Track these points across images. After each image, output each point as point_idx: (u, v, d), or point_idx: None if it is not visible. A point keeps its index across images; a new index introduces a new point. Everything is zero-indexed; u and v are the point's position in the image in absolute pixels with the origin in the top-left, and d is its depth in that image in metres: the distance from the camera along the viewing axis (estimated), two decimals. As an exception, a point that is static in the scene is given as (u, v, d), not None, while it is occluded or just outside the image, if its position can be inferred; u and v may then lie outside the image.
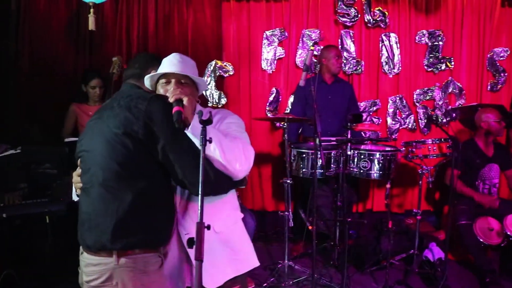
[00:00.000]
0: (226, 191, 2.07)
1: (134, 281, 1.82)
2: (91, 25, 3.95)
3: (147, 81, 2.06)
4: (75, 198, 2.08)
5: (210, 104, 5.02)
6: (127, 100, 1.90)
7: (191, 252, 1.93)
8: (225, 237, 2.10)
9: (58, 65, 4.88)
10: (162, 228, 1.91)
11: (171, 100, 1.87)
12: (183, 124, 1.80)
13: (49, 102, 4.65)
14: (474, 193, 4.26)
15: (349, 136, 3.86)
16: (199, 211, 1.64)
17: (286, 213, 3.78)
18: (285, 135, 3.81)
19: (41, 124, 4.48)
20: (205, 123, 1.77)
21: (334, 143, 3.97)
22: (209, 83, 5.04)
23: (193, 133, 1.87)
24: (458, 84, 5.11)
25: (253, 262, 2.24)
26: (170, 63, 2.05)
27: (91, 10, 3.92)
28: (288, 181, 3.78)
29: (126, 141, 1.81)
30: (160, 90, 2.04)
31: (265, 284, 3.76)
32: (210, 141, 1.75)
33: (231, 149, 1.91)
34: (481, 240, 3.96)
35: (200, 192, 1.66)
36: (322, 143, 3.46)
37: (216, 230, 2.06)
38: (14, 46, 4.79)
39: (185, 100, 1.86)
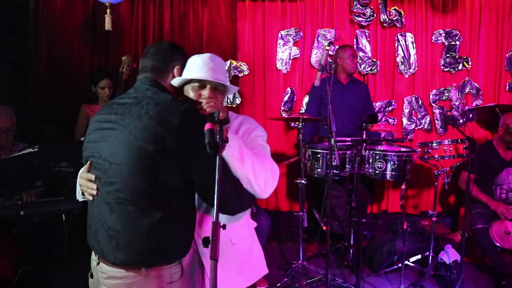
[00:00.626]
0: (248, 207, 2.06)
1: None
2: (108, 25, 3.99)
3: (177, 81, 1.94)
4: (80, 198, 2.00)
5: (224, 104, 5.03)
6: (157, 111, 1.74)
7: (205, 253, 1.95)
8: (240, 249, 2.09)
9: (75, 65, 4.93)
10: (186, 241, 1.88)
11: (205, 109, 1.79)
12: (214, 147, 1.61)
13: (66, 102, 4.69)
14: (489, 200, 4.18)
15: (364, 136, 3.84)
16: (215, 210, 1.61)
17: (300, 213, 3.77)
18: (300, 135, 3.80)
19: (58, 123, 4.54)
20: (222, 122, 1.72)
21: (349, 143, 3.95)
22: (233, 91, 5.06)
23: (228, 153, 1.77)
24: (475, 84, 5.05)
25: (262, 270, 2.22)
26: (205, 67, 1.93)
27: (108, 10, 3.96)
28: (303, 181, 3.78)
29: (158, 158, 1.69)
30: (191, 93, 1.94)
31: (279, 284, 3.76)
32: (227, 141, 1.69)
33: (262, 170, 1.86)
34: (497, 244, 3.91)
35: (216, 193, 1.59)
36: (337, 143, 3.44)
37: (233, 242, 2.05)
38: (33, 45, 4.86)
39: (220, 115, 1.72)
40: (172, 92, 1.95)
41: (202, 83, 1.93)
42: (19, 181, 3.02)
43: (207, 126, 1.65)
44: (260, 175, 1.85)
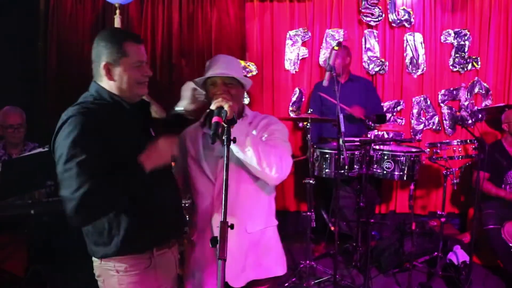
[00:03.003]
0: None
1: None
2: (117, 26, 4.02)
3: (198, 83, 2.12)
4: None
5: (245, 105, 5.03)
6: None
7: (235, 256, 2.01)
8: (255, 239, 2.12)
9: (84, 66, 4.94)
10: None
11: (213, 107, 1.88)
12: (217, 137, 1.75)
13: (76, 101, 4.73)
14: (506, 193, 4.16)
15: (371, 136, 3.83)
16: (223, 210, 1.64)
17: (308, 213, 3.77)
18: (308, 135, 3.80)
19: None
20: (229, 122, 1.81)
21: (357, 143, 3.95)
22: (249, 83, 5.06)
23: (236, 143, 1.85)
24: (485, 84, 5.02)
25: (277, 270, 2.22)
26: (216, 66, 2.08)
27: (117, 11, 4.00)
28: (311, 181, 3.77)
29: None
30: (208, 93, 2.10)
31: (287, 284, 3.76)
32: (234, 141, 1.76)
33: (267, 155, 1.96)
34: (510, 244, 3.88)
35: (224, 192, 1.66)
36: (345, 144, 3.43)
37: (248, 231, 2.09)
38: (43, 46, 4.90)
39: (226, 108, 1.85)
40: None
41: (213, 82, 2.07)
42: (30, 181, 3.06)
43: (214, 119, 1.79)
44: (266, 160, 1.95)
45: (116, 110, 1.89)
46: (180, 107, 2.49)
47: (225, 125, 1.79)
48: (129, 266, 1.87)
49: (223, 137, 1.75)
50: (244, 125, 2.04)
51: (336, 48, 3.54)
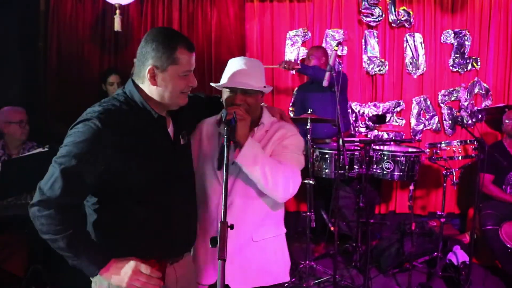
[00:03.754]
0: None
1: None
2: (117, 26, 4.02)
3: (218, 87, 2.06)
4: None
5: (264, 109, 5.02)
6: None
7: (240, 259, 2.02)
8: (261, 247, 2.11)
9: (84, 66, 4.98)
10: None
11: (224, 116, 1.88)
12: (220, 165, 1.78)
13: (76, 102, 4.73)
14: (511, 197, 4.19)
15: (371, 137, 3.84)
16: (223, 210, 1.63)
17: (308, 213, 3.77)
18: (308, 136, 3.80)
19: (68, 123, 4.56)
20: (227, 123, 1.80)
21: (357, 144, 3.95)
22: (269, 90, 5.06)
23: (241, 161, 1.87)
24: (485, 84, 5.02)
25: (282, 277, 2.21)
26: (236, 72, 2.02)
27: (117, 11, 4.00)
28: (311, 181, 3.77)
29: None
30: (224, 98, 2.05)
31: (286, 285, 3.76)
32: (232, 163, 1.79)
33: (275, 175, 1.90)
34: (508, 245, 3.89)
35: (223, 193, 1.65)
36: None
37: (254, 239, 2.08)
38: (43, 46, 4.91)
39: (238, 127, 1.85)
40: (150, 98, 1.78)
41: (233, 89, 2.01)
42: (30, 181, 3.05)
43: (222, 140, 1.75)
44: (273, 180, 1.90)
45: (143, 120, 1.74)
46: None
47: (225, 126, 1.79)
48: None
49: (224, 136, 1.73)
50: (259, 136, 2.04)
51: (335, 48, 3.55)
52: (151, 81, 1.72)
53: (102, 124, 1.61)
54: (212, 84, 2.09)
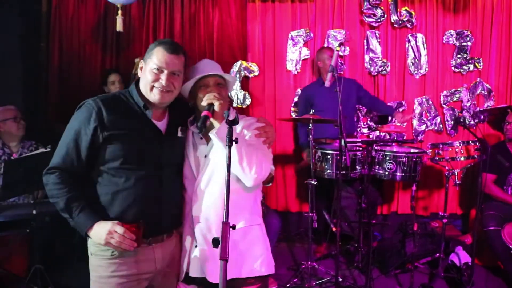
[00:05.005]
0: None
1: None
2: (119, 27, 4.02)
3: (186, 87, 2.18)
4: None
5: (235, 105, 5.05)
6: None
7: (215, 250, 1.99)
8: (237, 236, 2.11)
9: (86, 66, 4.98)
10: None
11: (204, 103, 2.03)
12: (205, 129, 1.99)
13: (77, 102, 4.72)
14: None
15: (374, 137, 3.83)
16: (225, 210, 1.69)
17: (310, 214, 3.77)
18: (310, 136, 3.80)
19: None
20: (231, 123, 1.84)
21: (359, 144, 3.94)
22: (234, 84, 5.07)
23: (218, 135, 1.99)
24: (487, 85, 5.01)
25: (262, 270, 2.18)
26: (205, 68, 2.19)
27: (119, 11, 4.00)
28: (313, 182, 3.77)
29: None
30: (200, 95, 2.14)
31: (288, 285, 3.76)
32: (236, 141, 1.81)
33: (249, 155, 2.02)
34: (510, 246, 3.88)
35: (226, 192, 1.70)
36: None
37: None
38: (45, 46, 4.91)
39: (216, 105, 2.01)
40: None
41: (205, 83, 2.16)
42: (32, 181, 3.07)
43: (204, 113, 1.98)
44: (247, 159, 2.01)
45: (133, 109, 2.06)
46: None
47: (208, 121, 1.98)
48: (98, 250, 2.00)
49: (226, 137, 1.80)
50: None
51: (337, 49, 3.54)
52: (139, 71, 2.12)
53: (95, 104, 1.99)
54: (186, 84, 2.17)
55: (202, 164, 2.16)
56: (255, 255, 2.18)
